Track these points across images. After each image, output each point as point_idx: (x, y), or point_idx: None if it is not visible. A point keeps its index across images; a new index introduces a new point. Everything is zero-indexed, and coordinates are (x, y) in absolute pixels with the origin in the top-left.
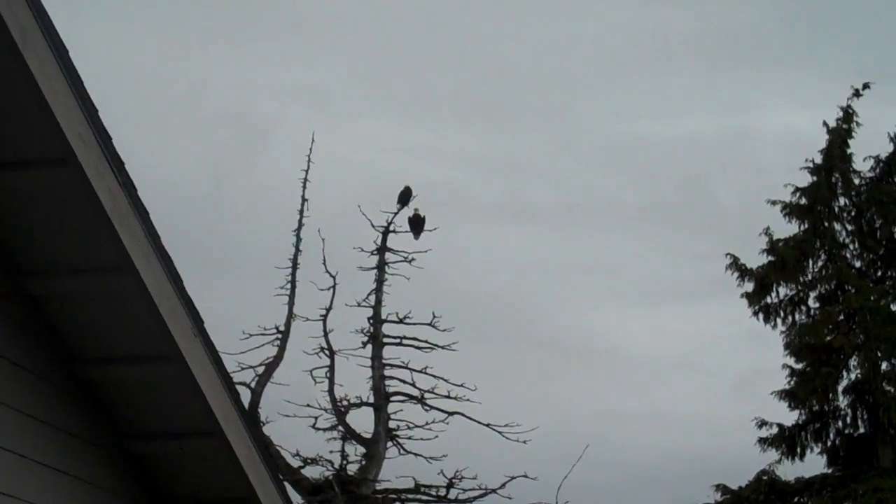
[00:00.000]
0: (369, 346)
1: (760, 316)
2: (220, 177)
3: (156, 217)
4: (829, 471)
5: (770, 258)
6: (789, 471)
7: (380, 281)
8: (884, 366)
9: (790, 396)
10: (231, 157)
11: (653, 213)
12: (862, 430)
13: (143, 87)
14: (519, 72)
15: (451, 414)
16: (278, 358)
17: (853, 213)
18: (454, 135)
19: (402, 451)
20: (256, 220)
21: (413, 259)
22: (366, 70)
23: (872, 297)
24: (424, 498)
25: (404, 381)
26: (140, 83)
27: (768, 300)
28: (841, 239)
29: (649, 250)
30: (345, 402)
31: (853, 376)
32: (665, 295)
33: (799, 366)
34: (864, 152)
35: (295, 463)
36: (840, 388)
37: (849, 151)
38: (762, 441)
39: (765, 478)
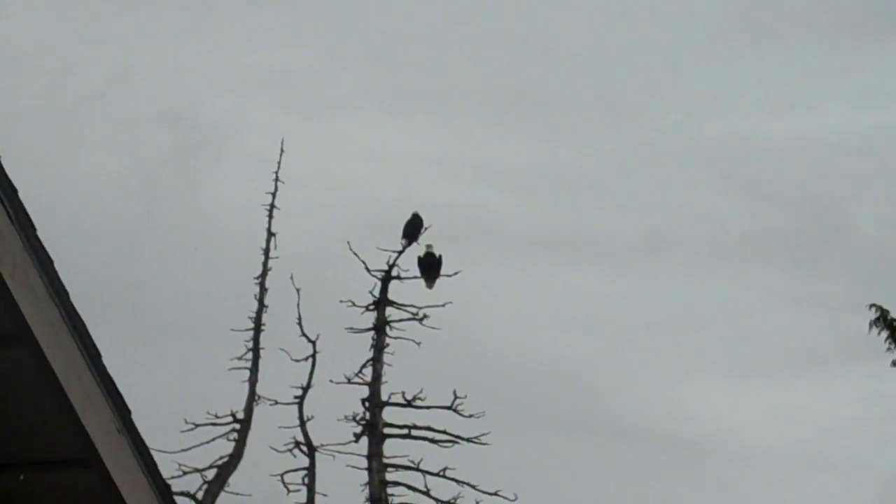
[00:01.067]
0: (364, 441)
1: None
2: (153, 202)
3: (62, 265)
4: None
5: None
6: None
7: (379, 348)
8: None
9: None
10: (168, 174)
11: (761, 245)
12: None
13: (42, 79)
14: (571, 51)
15: None
16: (236, 457)
17: None
18: (480, 138)
19: None
20: (204, 263)
21: (426, 316)
22: (353, 50)
23: None
24: None
25: (415, 489)
26: (38, 72)
27: None
28: None
29: (757, 298)
30: None
31: None
32: (781, 362)
33: None
34: None
35: None
36: None
37: None
38: None
39: None
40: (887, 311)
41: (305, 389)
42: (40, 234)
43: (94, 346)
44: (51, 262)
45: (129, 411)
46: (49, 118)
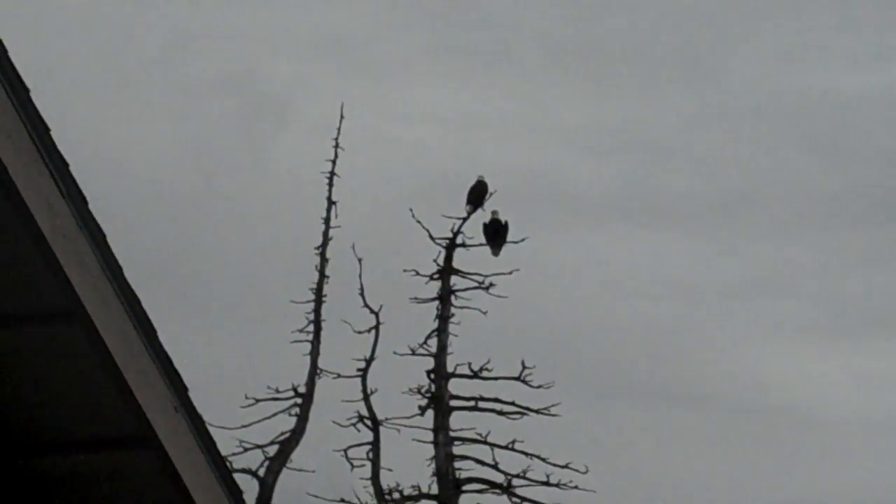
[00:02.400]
0: (430, 413)
1: None
2: (213, 170)
3: (116, 237)
4: None
5: None
6: None
7: (444, 318)
8: None
9: None
10: (228, 143)
11: (849, 204)
12: None
13: (100, 46)
14: (642, 5)
15: None
16: (298, 433)
17: None
18: (548, 99)
19: None
20: (264, 233)
21: (492, 285)
22: (414, 11)
23: None
24: None
25: (482, 463)
26: (95, 39)
27: None
28: None
29: (845, 260)
30: (396, 495)
31: None
32: (871, 325)
33: None
34: None
35: None
36: None
37: None
38: None
39: None
40: None
41: (369, 362)
42: (93, 208)
43: (149, 322)
44: (104, 236)
45: (186, 389)
46: (108, 84)
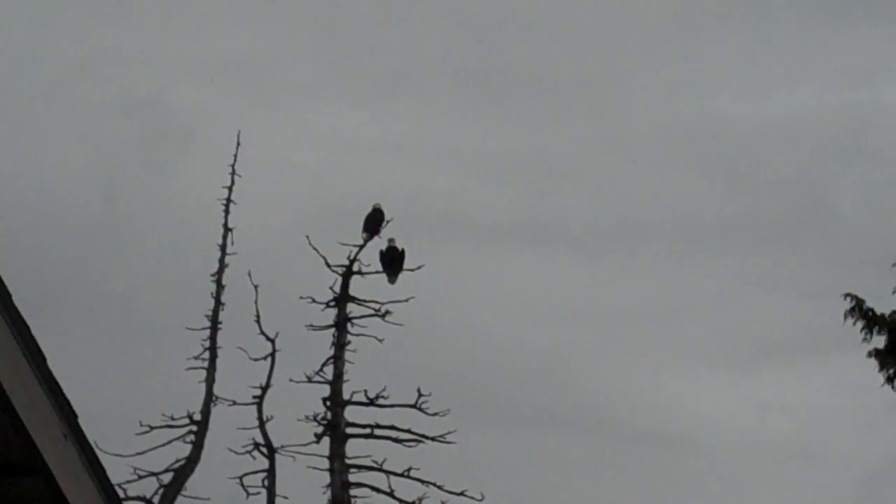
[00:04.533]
0: (326, 441)
1: None
2: (113, 194)
3: (7, 259)
4: None
5: None
6: None
7: (340, 345)
8: None
9: None
10: (129, 167)
11: (740, 231)
12: None
13: (5, 67)
14: (541, 31)
15: None
16: (193, 460)
17: None
18: (445, 123)
19: None
20: (160, 258)
21: (388, 312)
22: (315, 34)
23: None
24: None
25: (378, 490)
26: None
27: None
28: None
29: (735, 287)
30: None
31: None
32: (760, 353)
33: None
34: None
35: None
36: None
37: None
38: None
39: None
40: (863, 301)
41: (265, 389)
42: None
43: (38, 349)
44: None
45: (75, 416)
46: (13, 105)
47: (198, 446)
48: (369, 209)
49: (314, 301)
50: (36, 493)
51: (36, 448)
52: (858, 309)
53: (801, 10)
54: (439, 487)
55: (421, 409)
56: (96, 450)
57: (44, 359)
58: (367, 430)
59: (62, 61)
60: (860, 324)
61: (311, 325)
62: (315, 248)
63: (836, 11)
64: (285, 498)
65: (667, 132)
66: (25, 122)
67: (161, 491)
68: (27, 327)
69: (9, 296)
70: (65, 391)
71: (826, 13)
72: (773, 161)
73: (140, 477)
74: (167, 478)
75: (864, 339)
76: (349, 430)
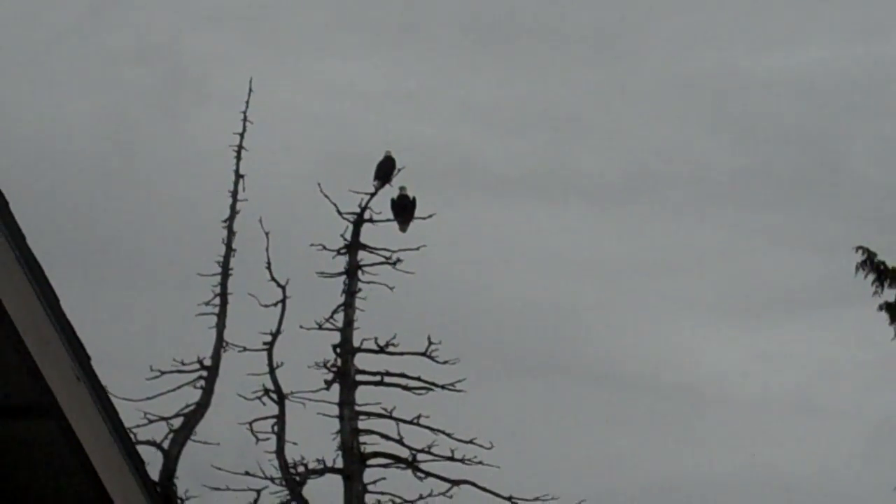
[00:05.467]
0: (336, 387)
1: None
2: (127, 140)
3: (22, 203)
4: None
5: None
6: None
7: (350, 292)
8: None
9: None
10: (144, 112)
11: (751, 184)
12: None
13: (14, 16)
14: None
15: (456, 483)
16: (203, 405)
17: None
18: (456, 74)
19: None
20: (172, 205)
21: (399, 260)
22: None
23: None
24: None
25: (387, 437)
26: (9, 10)
27: None
28: None
29: (746, 239)
30: (301, 468)
31: None
32: (770, 305)
33: None
34: None
35: None
36: None
37: None
38: None
39: None
40: (874, 254)
41: (275, 335)
42: None
43: (52, 290)
44: (6, 203)
45: (88, 358)
46: (24, 55)
47: (208, 391)
48: (381, 157)
49: (325, 248)
50: (49, 434)
51: (49, 390)
52: (870, 262)
53: None
54: (448, 435)
55: (431, 357)
56: (108, 393)
57: (57, 301)
58: (377, 378)
59: (75, 7)
60: (871, 277)
61: (322, 273)
62: (326, 196)
63: None
64: (295, 444)
65: (680, 84)
66: (39, 69)
67: (171, 435)
68: (41, 269)
69: (22, 238)
70: (78, 334)
71: None
72: (786, 114)
73: (150, 421)
74: (177, 422)
75: (876, 293)
76: (359, 378)
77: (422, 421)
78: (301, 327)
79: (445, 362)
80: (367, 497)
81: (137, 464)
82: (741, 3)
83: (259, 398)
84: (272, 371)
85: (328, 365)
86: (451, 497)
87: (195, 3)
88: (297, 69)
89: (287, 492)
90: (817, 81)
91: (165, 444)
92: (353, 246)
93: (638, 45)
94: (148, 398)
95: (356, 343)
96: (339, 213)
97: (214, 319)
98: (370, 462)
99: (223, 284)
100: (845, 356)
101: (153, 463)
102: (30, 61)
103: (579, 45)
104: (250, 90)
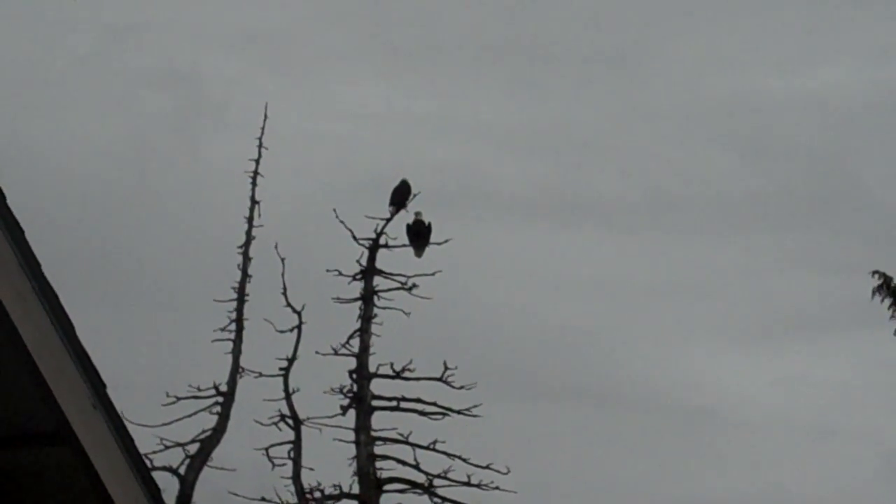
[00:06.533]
0: (352, 413)
1: None
2: (146, 168)
3: (39, 231)
4: None
5: None
6: None
7: (366, 318)
8: None
9: None
10: (162, 140)
11: (767, 206)
12: None
13: (36, 41)
14: (571, 5)
15: None
16: (219, 431)
17: None
18: (473, 96)
19: None
20: (189, 231)
21: (415, 286)
22: (343, 7)
23: None
24: None
25: (403, 463)
26: (29, 34)
27: None
28: None
29: (762, 262)
30: (317, 494)
31: None
32: (786, 328)
33: None
34: None
35: None
36: None
37: None
38: None
39: None
40: (891, 278)
41: (291, 361)
42: (14, 201)
43: (66, 318)
44: (22, 232)
45: (104, 385)
46: (43, 77)
47: (224, 417)
48: (396, 182)
49: (341, 274)
50: (64, 462)
51: (64, 417)
52: (886, 286)
53: None
54: (465, 460)
55: (447, 383)
56: (123, 420)
57: (72, 328)
58: (393, 403)
59: (91, 36)
60: (888, 301)
61: (338, 298)
62: (342, 221)
63: None
64: (311, 469)
65: (696, 106)
66: (60, 93)
67: (187, 461)
68: (56, 296)
69: (38, 266)
70: (93, 361)
71: None
72: (802, 136)
73: (166, 447)
74: (193, 448)
75: (892, 317)
76: (375, 403)
77: (438, 446)
78: (317, 353)
79: (461, 387)
80: None
81: (153, 490)
82: (757, 25)
83: (275, 424)
84: (288, 397)
85: (344, 390)
86: None
87: (214, 27)
88: (313, 93)
89: None
90: (833, 103)
91: (182, 470)
92: (369, 271)
93: (654, 68)
94: (164, 424)
95: (372, 368)
96: (355, 238)
97: (230, 345)
98: (386, 487)
99: (239, 310)
100: (861, 380)
101: (169, 489)
102: (50, 86)
103: (595, 68)
104: (265, 116)
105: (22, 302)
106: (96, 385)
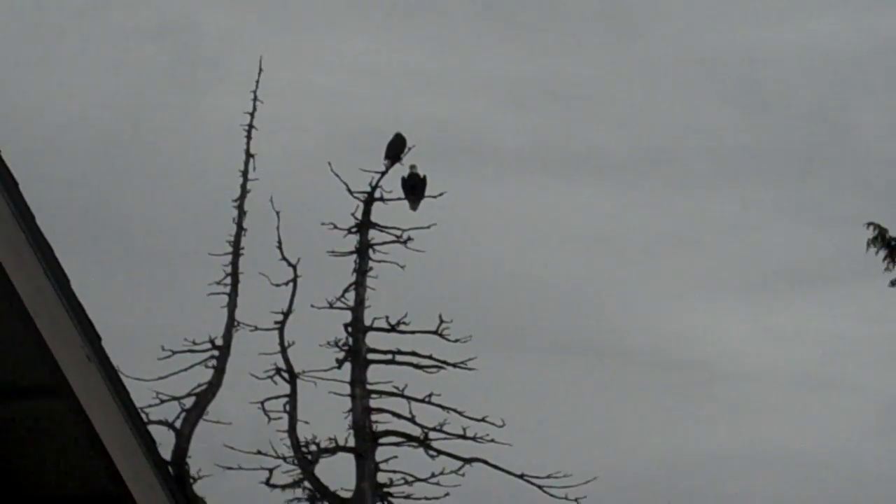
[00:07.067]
0: (347, 366)
1: None
2: (141, 119)
3: (32, 183)
4: None
5: None
6: None
7: (361, 271)
8: None
9: None
10: (158, 91)
11: (762, 158)
12: None
13: None
14: None
15: (468, 461)
16: (215, 385)
17: None
18: (468, 49)
19: None
20: (183, 184)
21: (410, 238)
22: None
23: None
24: None
25: (399, 416)
26: None
27: None
28: None
29: (757, 214)
30: (313, 447)
31: None
32: (781, 281)
33: None
34: None
35: None
36: None
37: None
38: None
39: None
40: (885, 230)
41: (286, 315)
42: (8, 153)
43: (61, 270)
44: (15, 183)
45: (99, 338)
46: (40, 30)
47: (219, 371)
48: (391, 136)
49: (336, 227)
50: (60, 414)
51: (60, 370)
52: (881, 238)
53: None
54: (460, 413)
55: (442, 336)
56: (119, 373)
57: (67, 281)
58: (389, 357)
59: None
60: (882, 253)
61: (333, 252)
62: (337, 175)
63: None
64: (306, 423)
65: (691, 58)
66: (54, 46)
67: (183, 415)
68: (51, 249)
69: (32, 218)
70: (88, 314)
71: None
72: (798, 87)
73: (162, 401)
74: (189, 402)
75: (887, 269)
76: (370, 356)
77: (433, 399)
78: (312, 306)
79: (457, 340)
80: (380, 475)
81: (149, 443)
82: None
83: (271, 377)
84: (284, 350)
85: (339, 344)
86: (463, 475)
87: None
88: (308, 46)
89: (299, 471)
90: (828, 55)
91: (177, 424)
92: (364, 225)
93: (649, 21)
94: (160, 378)
95: (367, 322)
96: (350, 191)
97: (226, 299)
98: (382, 440)
99: (234, 264)
100: (856, 332)
101: (165, 443)
102: (46, 39)
103: (590, 20)
104: (260, 69)
105: (17, 254)
106: (91, 338)
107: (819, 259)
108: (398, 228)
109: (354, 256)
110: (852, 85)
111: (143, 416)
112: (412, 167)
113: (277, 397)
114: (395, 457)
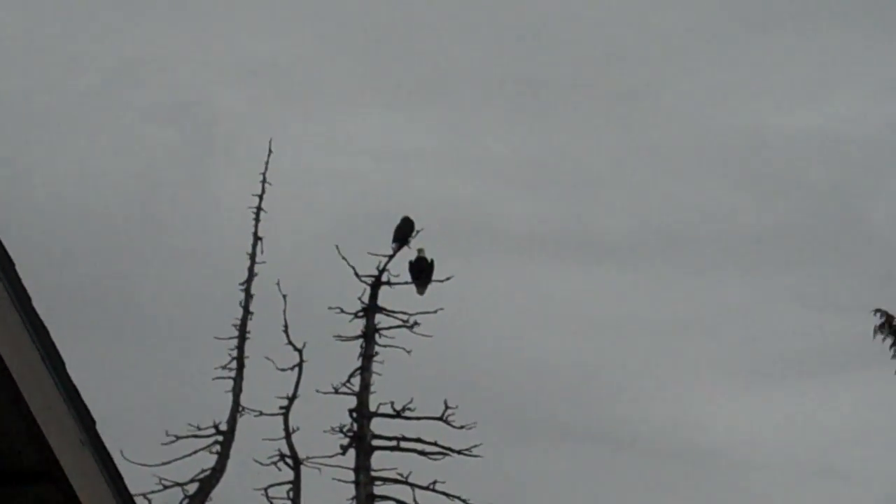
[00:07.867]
0: (352, 453)
1: None
2: (150, 200)
3: (35, 263)
4: None
5: None
6: None
7: (367, 356)
8: None
9: None
10: (167, 174)
11: (772, 243)
12: None
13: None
14: (577, 40)
15: None
16: (219, 470)
17: None
18: (479, 132)
19: None
20: (190, 267)
21: (416, 324)
22: (349, 41)
23: None
24: None
25: (403, 503)
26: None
27: None
28: None
29: (766, 300)
30: None
31: None
32: (790, 367)
33: None
34: None
35: None
36: None
37: None
38: None
39: None
40: (893, 317)
41: (291, 400)
42: (16, 235)
43: (57, 353)
44: (12, 264)
45: (93, 422)
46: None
47: (223, 457)
48: (399, 219)
49: (342, 311)
50: (52, 499)
51: (52, 454)
52: (888, 325)
53: (842, 18)
54: (465, 501)
55: (447, 422)
56: (119, 458)
57: (62, 364)
58: (393, 443)
59: (102, 69)
60: (889, 340)
61: (339, 336)
62: (344, 258)
63: (877, 21)
64: None
65: (702, 141)
66: (68, 125)
67: (186, 501)
68: (46, 332)
69: (28, 300)
70: (83, 397)
71: (867, 22)
72: (808, 172)
73: (165, 487)
74: (192, 488)
75: (894, 356)
76: (375, 443)
77: (438, 486)
78: (317, 391)
79: (462, 427)
80: None
81: None
82: (765, 61)
83: (275, 463)
84: (288, 436)
85: (344, 430)
86: None
87: (222, 61)
88: (318, 127)
89: None
90: (842, 139)
91: None
92: (371, 309)
93: (661, 103)
94: (163, 463)
95: (372, 407)
96: (357, 275)
97: (231, 383)
98: None
99: (240, 348)
100: (865, 419)
101: None
102: (58, 120)
103: (602, 102)
104: (270, 151)
105: (11, 336)
106: (86, 421)
107: (828, 346)
108: (405, 313)
109: (361, 341)
110: (864, 170)
111: (146, 502)
112: (420, 251)
113: (281, 483)
114: None
